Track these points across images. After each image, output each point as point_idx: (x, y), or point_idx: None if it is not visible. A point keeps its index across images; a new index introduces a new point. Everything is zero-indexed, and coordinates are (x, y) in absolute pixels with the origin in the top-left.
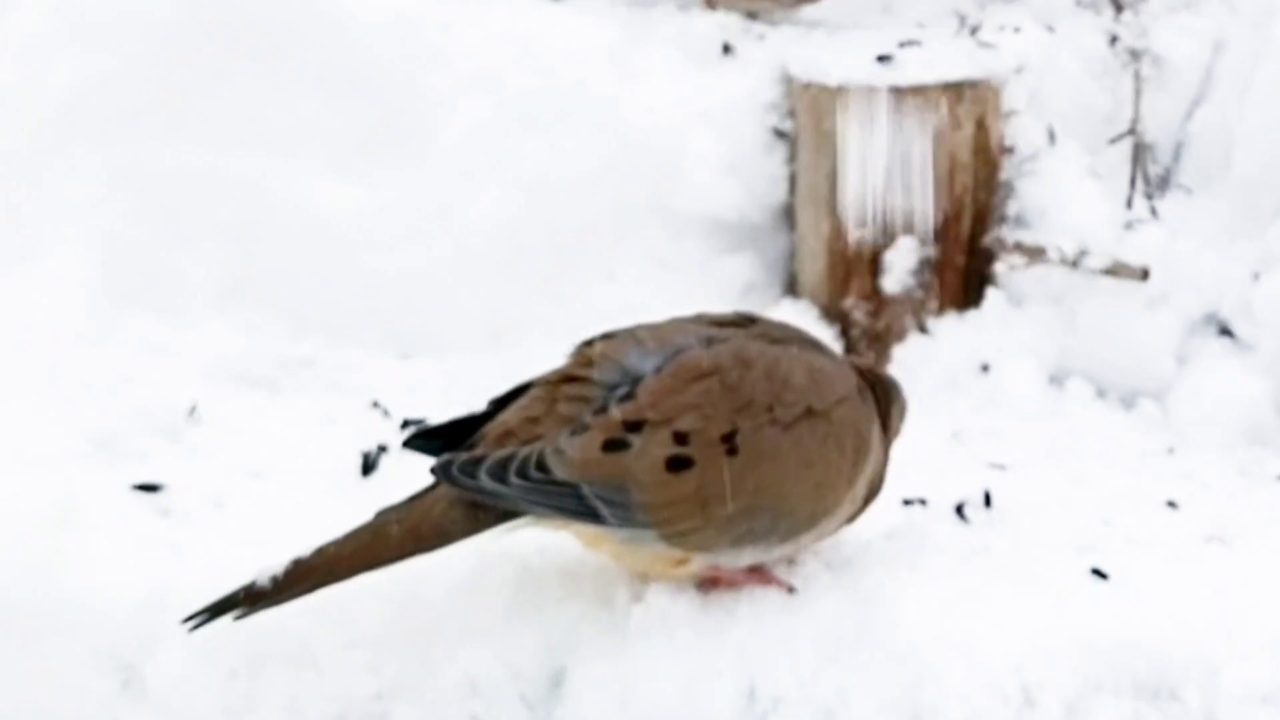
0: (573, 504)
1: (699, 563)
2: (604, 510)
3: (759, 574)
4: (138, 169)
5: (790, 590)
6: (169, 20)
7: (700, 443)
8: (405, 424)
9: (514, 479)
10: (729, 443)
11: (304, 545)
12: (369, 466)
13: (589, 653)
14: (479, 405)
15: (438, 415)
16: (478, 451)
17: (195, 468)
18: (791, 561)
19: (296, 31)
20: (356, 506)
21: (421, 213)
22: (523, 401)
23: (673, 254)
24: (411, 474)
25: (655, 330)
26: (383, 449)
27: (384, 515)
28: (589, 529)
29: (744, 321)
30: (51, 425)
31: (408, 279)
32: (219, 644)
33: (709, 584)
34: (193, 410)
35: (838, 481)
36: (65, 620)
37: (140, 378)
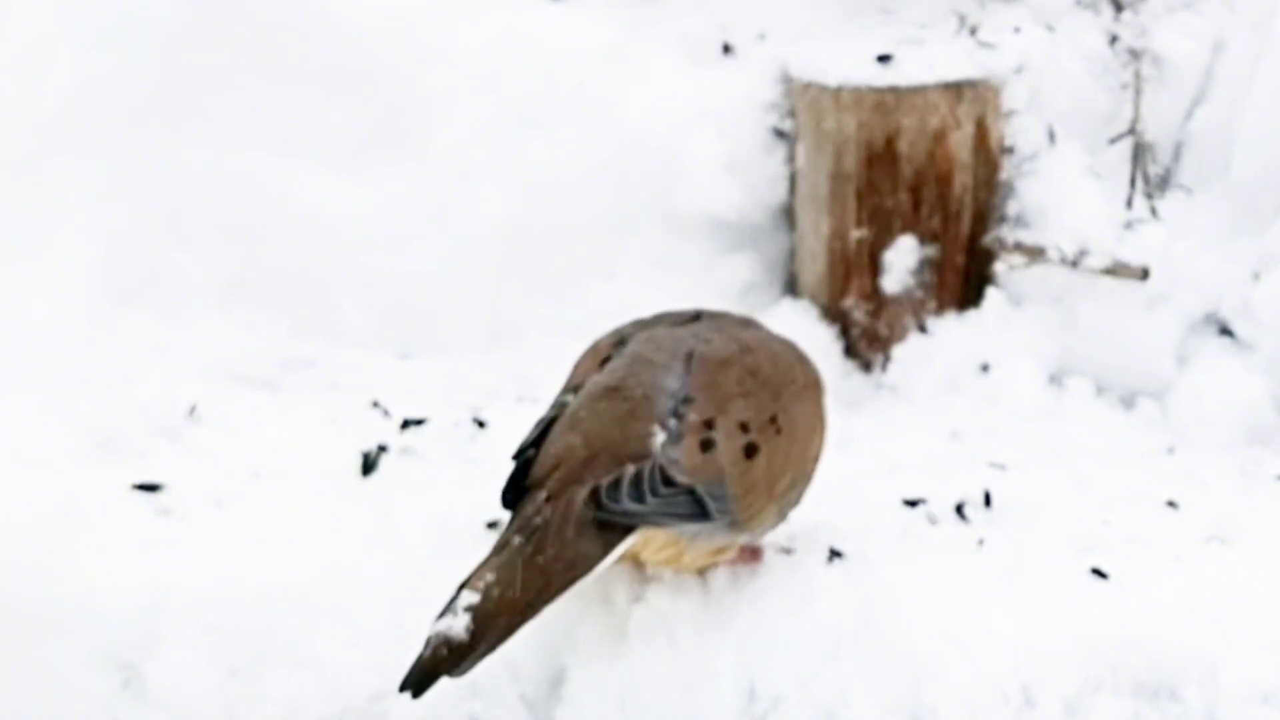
0: (691, 508)
1: (736, 547)
2: (711, 507)
3: (755, 552)
4: (138, 169)
5: (787, 552)
6: (169, 21)
7: (758, 427)
8: (405, 424)
9: (650, 497)
10: (775, 423)
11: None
12: (369, 466)
13: (589, 653)
14: (479, 405)
15: (438, 415)
16: (611, 477)
17: (195, 468)
18: (789, 551)
19: (296, 31)
20: (356, 506)
21: (421, 213)
22: (570, 437)
23: (673, 254)
24: (412, 474)
25: (649, 339)
26: (383, 449)
27: (518, 552)
28: (681, 530)
29: (688, 318)
30: (51, 425)
31: (408, 279)
32: (219, 644)
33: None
34: (193, 410)
35: (824, 438)
36: (65, 620)
37: (140, 378)
